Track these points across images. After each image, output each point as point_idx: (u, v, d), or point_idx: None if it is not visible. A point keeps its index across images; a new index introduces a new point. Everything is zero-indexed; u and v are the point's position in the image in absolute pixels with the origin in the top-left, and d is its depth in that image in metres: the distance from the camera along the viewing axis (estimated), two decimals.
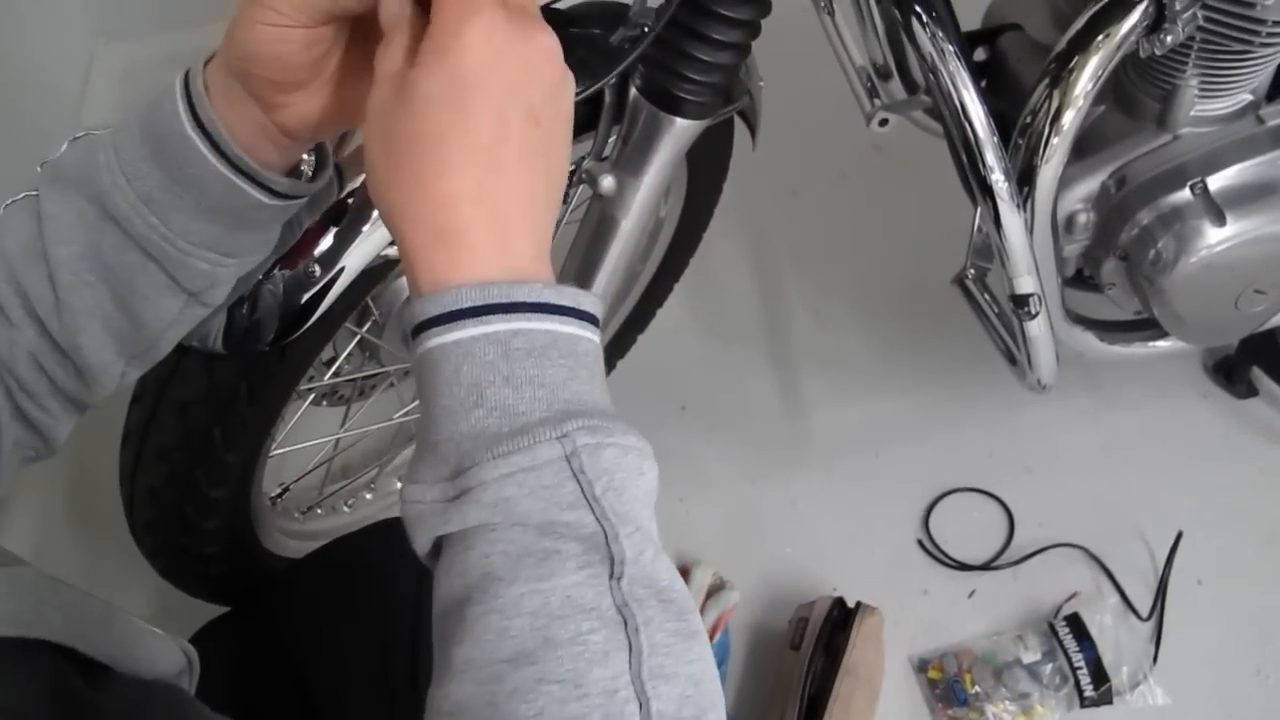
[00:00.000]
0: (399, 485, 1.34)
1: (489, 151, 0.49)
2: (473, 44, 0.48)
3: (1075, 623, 1.31)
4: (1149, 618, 1.34)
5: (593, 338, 0.51)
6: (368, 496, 1.33)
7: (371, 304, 1.08)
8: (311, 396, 1.15)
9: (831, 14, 1.24)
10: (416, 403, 1.31)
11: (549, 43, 0.51)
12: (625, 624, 0.44)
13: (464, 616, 0.45)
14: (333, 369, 1.14)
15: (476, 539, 0.46)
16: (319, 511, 1.28)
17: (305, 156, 0.66)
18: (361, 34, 0.58)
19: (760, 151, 1.15)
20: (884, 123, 1.20)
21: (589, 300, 0.50)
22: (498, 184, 0.49)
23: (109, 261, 0.61)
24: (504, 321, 0.47)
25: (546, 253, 0.52)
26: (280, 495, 1.23)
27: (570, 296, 0.50)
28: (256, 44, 0.55)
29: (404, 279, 1.08)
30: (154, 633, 0.69)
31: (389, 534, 0.98)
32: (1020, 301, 1.04)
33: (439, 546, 0.49)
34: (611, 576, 0.45)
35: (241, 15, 0.55)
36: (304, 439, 1.21)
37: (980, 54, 1.19)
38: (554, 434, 0.46)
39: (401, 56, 0.51)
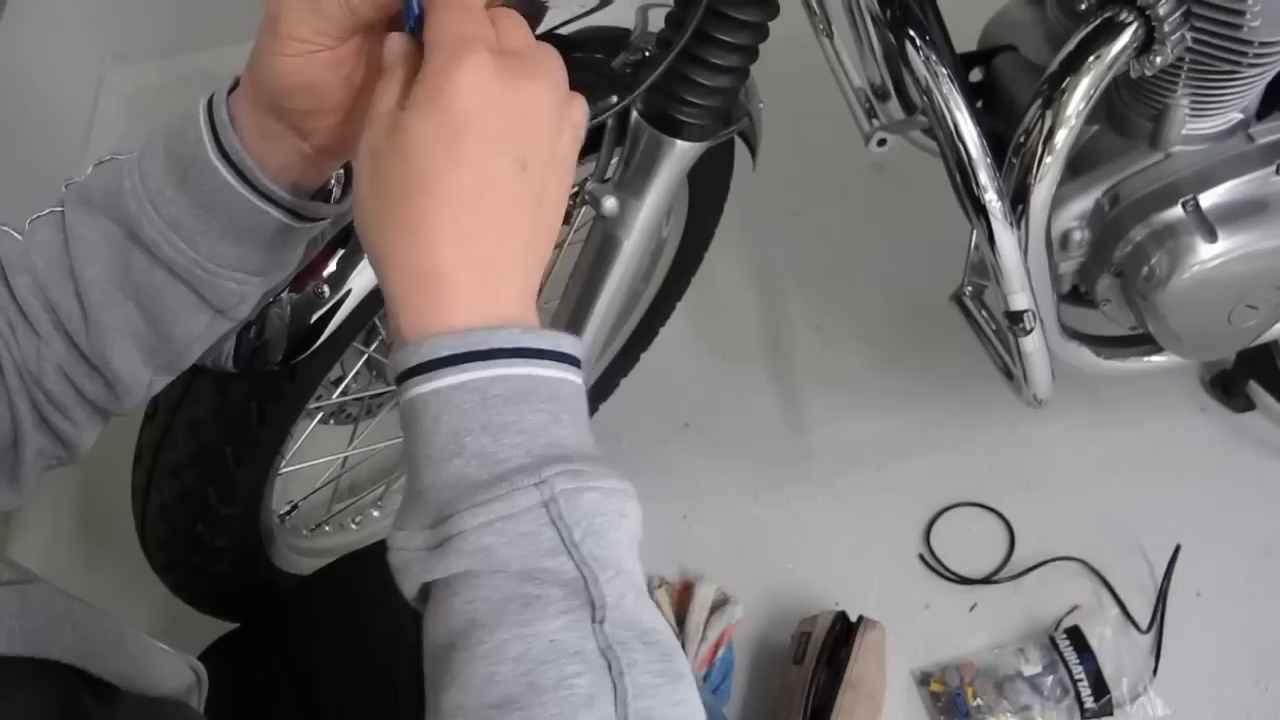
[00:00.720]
0: None
1: (474, 197, 0.49)
2: (463, 89, 0.48)
3: (1076, 635, 1.32)
4: (1149, 630, 1.35)
5: (575, 379, 0.51)
6: (375, 514, 1.35)
7: (379, 323, 1.10)
8: (319, 415, 1.17)
9: (830, 36, 1.26)
10: None
11: (542, 87, 0.51)
12: (610, 667, 0.45)
13: (450, 662, 0.46)
14: (340, 388, 1.15)
15: (460, 586, 0.47)
16: (327, 529, 1.30)
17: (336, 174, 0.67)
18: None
19: (761, 171, 1.17)
20: (882, 143, 1.22)
21: (569, 342, 0.51)
22: (482, 229, 0.49)
23: (137, 281, 0.62)
24: (482, 369, 0.48)
25: (533, 296, 0.52)
26: (289, 513, 1.25)
27: (550, 340, 0.50)
28: (283, 77, 0.56)
29: None
30: (163, 650, 0.70)
31: None
32: (1015, 318, 1.06)
33: (426, 592, 0.49)
34: (594, 620, 0.46)
35: (261, 49, 0.56)
36: (312, 457, 1.23)
37: (976, 74, 1.21)
38: (532, 480, 0.46)
39: (395, 96, 0.51)
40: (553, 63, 0.53)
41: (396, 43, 0.53)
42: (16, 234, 0.64)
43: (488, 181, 0.49)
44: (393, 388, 1.19)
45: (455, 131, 0.49)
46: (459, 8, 0.51)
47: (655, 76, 0.78)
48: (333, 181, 0.66)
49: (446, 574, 0.47)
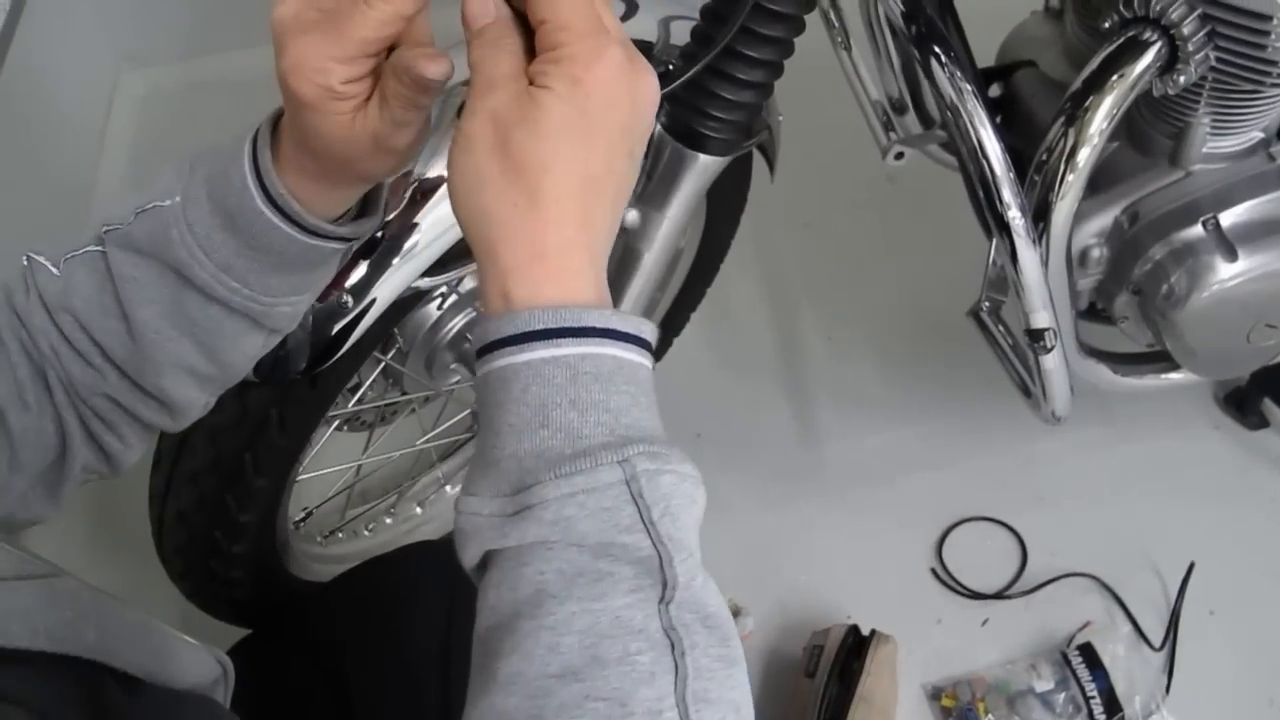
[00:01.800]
0: (418, 510, 1.36)
1: (599, 183, 0.51)
2: (602, 81, 0.50)
3: (1088, 652, 1.32)
4: (1161, 647, 1.34)
5: (649, 364, 0.52)
6: (388, 521, 1.35)
7: (396, 331, 1.10)
8: (336, 423, 1.17)
9: (848, 49, 1.27)
10: (438, 429, 1.33)
11: (654, 84, 0.53)
12: (672, 647, 0.46)
13: (514, 630, 0.46)
14: (357, 395, 1.15)
15: (532, 555, 0.47)
16: (340, 535, 1.30)
17: None
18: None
19: (774, 183, 1.17)
20: (900, 156, 1.22)
21: (649, 328, 0.52)
22: (597, 214, 0.51)
23: (193, 317, 0.63)
24: (574, 345, 0.48)
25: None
26: (303, 520, 1.25)
27: (634, 324, 0.51)
28: (337, 147, 0.57)
29: (430, 307, 1.10)
30: (188, 643, 0.70)
31: (419, 557, 0.99)
32: (1036, 336, 1.06)
33: (486, 560, 0.50)
34: (661, 600, 0.46)
35: (302, 119, 0.56)
36: (326, 464, 1.23)
37: (995, 90, 1.21)
38: (616, 458, 0.47)
39: (511, 65, 0.52)
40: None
41: (489, 4, 0.53)
42: (53, 267, 0.64)
43: (610, 170, 0.51)
44: (408, 396, 1.20)
45: (592, 119, 0.50)
46: None
47: (687, 76, 0.79)
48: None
49: (521, 542, 0.47)
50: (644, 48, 0.98)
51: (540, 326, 0.48)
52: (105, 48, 2.12)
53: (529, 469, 0.48)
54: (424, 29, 0.56)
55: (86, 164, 1.99)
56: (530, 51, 0.52)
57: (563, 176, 0.50)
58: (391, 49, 0.56)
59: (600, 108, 0.50)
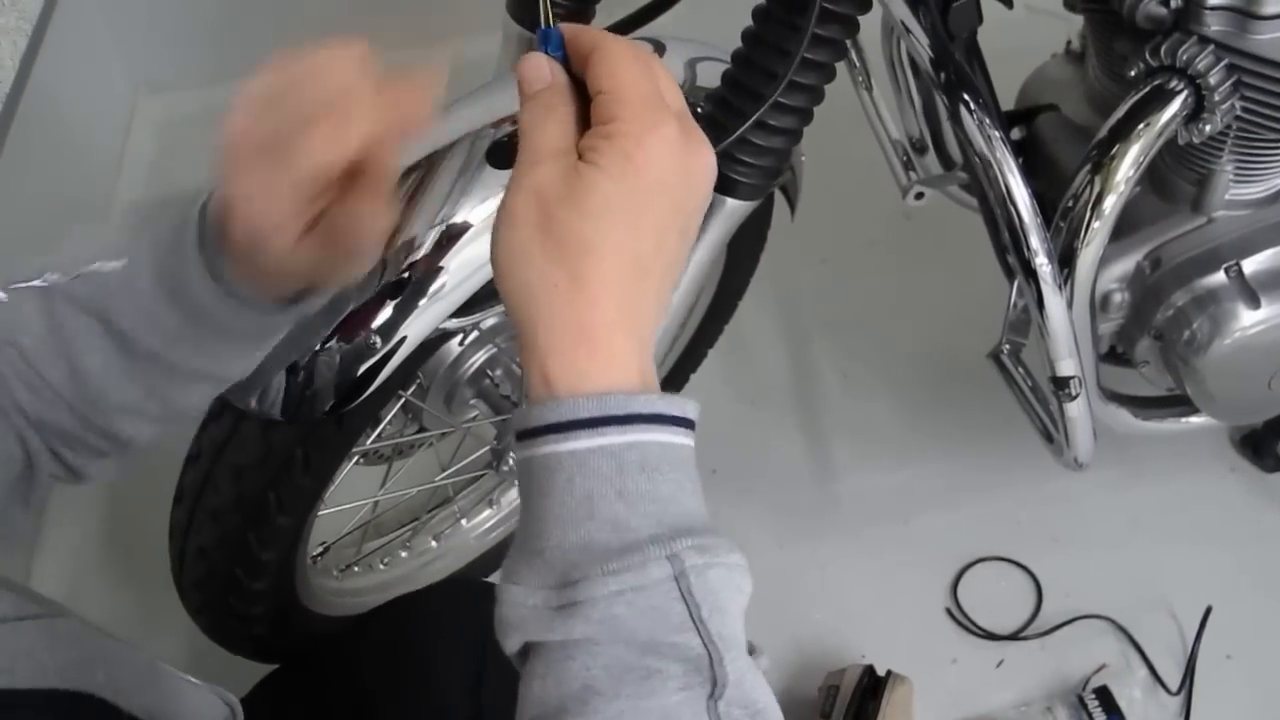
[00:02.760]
0: (434, 544, 1.36)
1: (646, 264, 0.49)
2: (655, 158, 0.49)
3: (1104, 696, 1.31)
4: (1179, 692, 1.34)
5: (692, 444, 0.51)
6: (403, 555, 1.35)
7: (419, 372, 1.10)
8: (355, 458, 1.17)
9: (870, 89, 1.27)
10: (457, 466, 1.33)
11: (711, 159, 0.52)
12: None
13: None
14: (377, 431, 1.15)
15: (578, 650, 0.46)
16: (356, 569, 1.30)
17: None
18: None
19: (796, 217, 1.17)
20: (920, 196, 1.23)
21: (692, 408, 0.51)
22: (644, 295, 0.50)
23: (143, 368, 0.62)
24: (620, 434, 0.47)
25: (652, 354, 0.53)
26: (320, 554, 1.24)
27: (679, 405, 0.50)
28: (289, 264, 0.57)
29: (451, 344, 1.11)
30: (195, 685, 0.70)
31: (450, 594, 0.99)
32: (1061, 383, 1.06)
33: (528, 648, 0.49)
34: (711, 697, 0.46)
35: (249, 246, 0.56)
36: (344, 499, 1.23)
37: (1016, 133, 1.22)
38: (664, 553, 0.46)
39: (561, 133, 0.50)
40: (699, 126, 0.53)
41: (545, 69, 0.52)
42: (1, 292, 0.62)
43: (658, 250, 0.50)
44: (428, 432, 1.20)
45: (642, 199, 0.49)
46: (633, 58, 0.50)
47: (737, 135, 0.79)
48: None
49: (567, 638, 0.46)
50: None
51: (585, 415, 0.47)
52: (124, 73, 2.14)
53: (575, 562, 0.47)
54: (386, 158, 0.56)
55: (104, 188, 2.00)
56: (584, 120, 0.51)
57: (608, 258, 0.48)
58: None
59: (651, 186, 0.49)
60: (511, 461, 1.23)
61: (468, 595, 0.98)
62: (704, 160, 0.51)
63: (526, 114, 0.51)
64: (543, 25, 0.53)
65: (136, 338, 0.60)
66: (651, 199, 0.49)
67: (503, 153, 0.89)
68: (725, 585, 0.48)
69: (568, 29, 0.52)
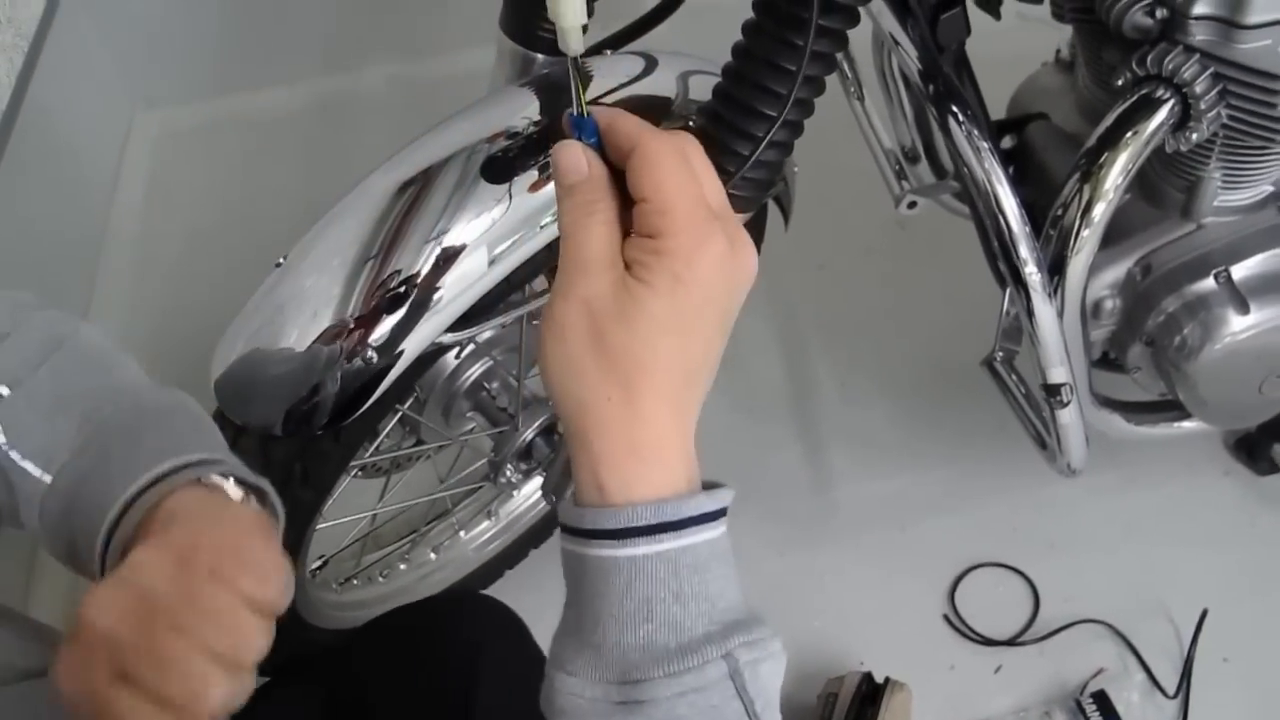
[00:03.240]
0: (433, 556, 1.37)
1: (696, 373, 0.51)
2: (703, 277, 0.49)
3: (1102, 700, 1.31)
4: (1176, 695, 1.34)
5: (726, 527, 0.53)
6: (402, 567, 1.35)
7: (417, 386, 1.11)
8: (353, 471, 1.18)
9: (861, 100, 1.28)
10: (455, 478, 1.33)
11: (754, 261, 0.53)
12: None
13: None
14: (374, 444, 1.16)
15: None
16: (355, 582, 1.30)
17: None
18: None
19: (789, 226, 1.18)
20: (912, 205, 1.24)
21: (728, 495, 0.53)
22: (691, 400, 0.52)
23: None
24: (675, 539, 0.49)
25: None
26: (319, 568, 1.25)
27: (721, 499, 0.52)
28: None
29: (448, 357, 1.11)
30: None
31: (446, 608, 0.99)
32: (1052, 391, 1.07)
33: None
34: None
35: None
36: (342, 512, 1.23)
37: (1007, 142, 1.23)
38: (720, 653, 0.49)
39: (606, 239, 0.50)
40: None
41: (581, 160, 0.52)
42: None
43: (705, 358, 0.52)
44: (426, 445, 1.20)
45: (693, 315, 0.50)
46: (677, 161, 0.50)
47: (751, 161, 0.80)
48: None
49: None
50: (661, 103, 0.99)
51: (642, 523, 0.49)
52: (120, 88, 2.15)
53: (635, 663, 0.49)
54: None
55: (101, 203, 2.01)
56: (624, 205, 0.51)
57: (660, 374, 0.50)
58: None
59: (701, 303, 0.50)
60: (509, 474, 1.23)
61: (463, 608, 0.99)
62: (749, 262, 0.52)
63: (566, 211, 0.51)
64: (575, 112, 0.52)
65: (19, 513, 0.58)
66: (702, 313, 0.50)
67: (497, 167, 0.90)
68: (773, 677, 0.51)
69: (603, 117, 0.52)
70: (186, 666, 0.48)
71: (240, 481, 0.59)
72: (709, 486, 0.53)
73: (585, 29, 0.52)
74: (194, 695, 0.48)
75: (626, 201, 0.51)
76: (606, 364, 0.49)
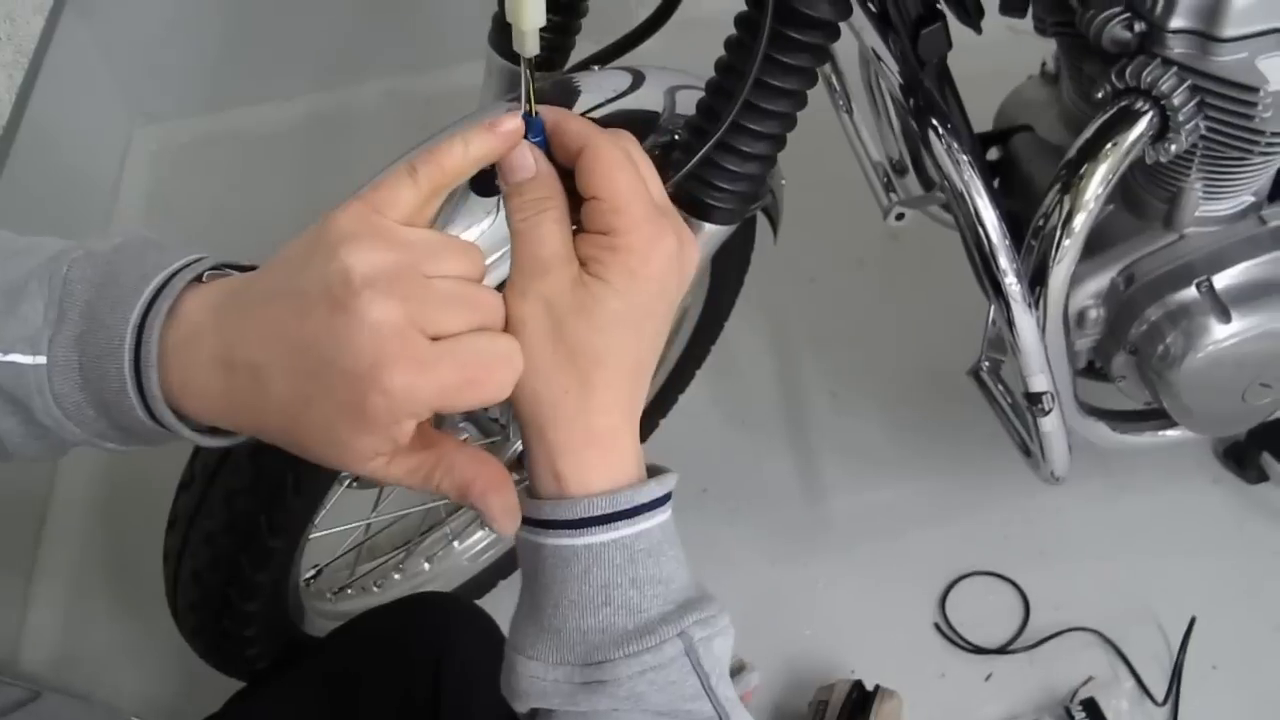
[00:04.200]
0: (426, 566, 1.38)
1: (645, 364, 0.53)
2: (656, 272, 0.51)
3: (1091, 707, 1.32)
4: (1165, 703, 1.35)
5: (671, 509, 0.55)
6: (396, 577, 1.36)
7: None
8: (347, 481, 1.19)
9: (850, 112, 1.30)
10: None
11: (697, 254, 0.54)
12: None
13: None
14: None
15: (601, 719, 0.51)
16: (350, 592, 1.31)
17: None
18: None
19: (779, 239, 1.19)
20: (900, 217, 1.25)
21: (674, 479, 0.55)
22: (642, 388, 0.54)
23: (57, 442, 0.55)
24: (629, 525, 0.52)
25: None
26: (314, 577, 1.26)
27: (669, 483, 0.54)
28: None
29: None
30: None
31: (412, 610, 1.01)
32: (1034, 399, 1.08)
33: (541, 713, 0.54)
34: None
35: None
36: (336, 522, 1.24)
37: (993, 153, 1.24)
38: (675, 631, 0.51)
39: (559, 238, 0.51)
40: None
41: (529, 158, 0.52)
42: None
43: (654, 348, 0.53)
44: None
45: (646, 309, 0.51)
46: (624, 160, 0.51)
47: (690, 167, 0.82)
48: None
49: (593, 709, 0.51)
50: (649, 118, 1.00)
51: (599, 513, 0.51)
52: (120, 104, 2.16)
53: (595, 645, 0.51)
54: None
55: (101, 217, 2.03)
56: (571, 202, 0.52)
57: (615, 367, 0.51)
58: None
59: (653, 297, 0.51)
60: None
61: (429, 610, 1.01)
62: (694, 255, 0.54)
63: (516, 211, 0.52)
64: (523, 110, 0.53)
65: (62, 435, 0.54)
66: (653, 308, 0.52)
67: (486, 181, 0.91)
68: (724, 651, 0.53)
69: (550, 116, 0.53)
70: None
71: (237, 266, 0.55)
72: (651, 470, 0.55)
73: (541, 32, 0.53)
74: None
75: (574, 200, 0.52)
76: (564, 358, 0.51)
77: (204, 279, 0.53)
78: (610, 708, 0.51)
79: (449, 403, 0.47)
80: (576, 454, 0.52)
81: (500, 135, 0.51)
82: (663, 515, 0.54)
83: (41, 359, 0.51)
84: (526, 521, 0.53)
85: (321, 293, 0.46)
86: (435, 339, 0.47)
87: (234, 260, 0.56)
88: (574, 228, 0.53)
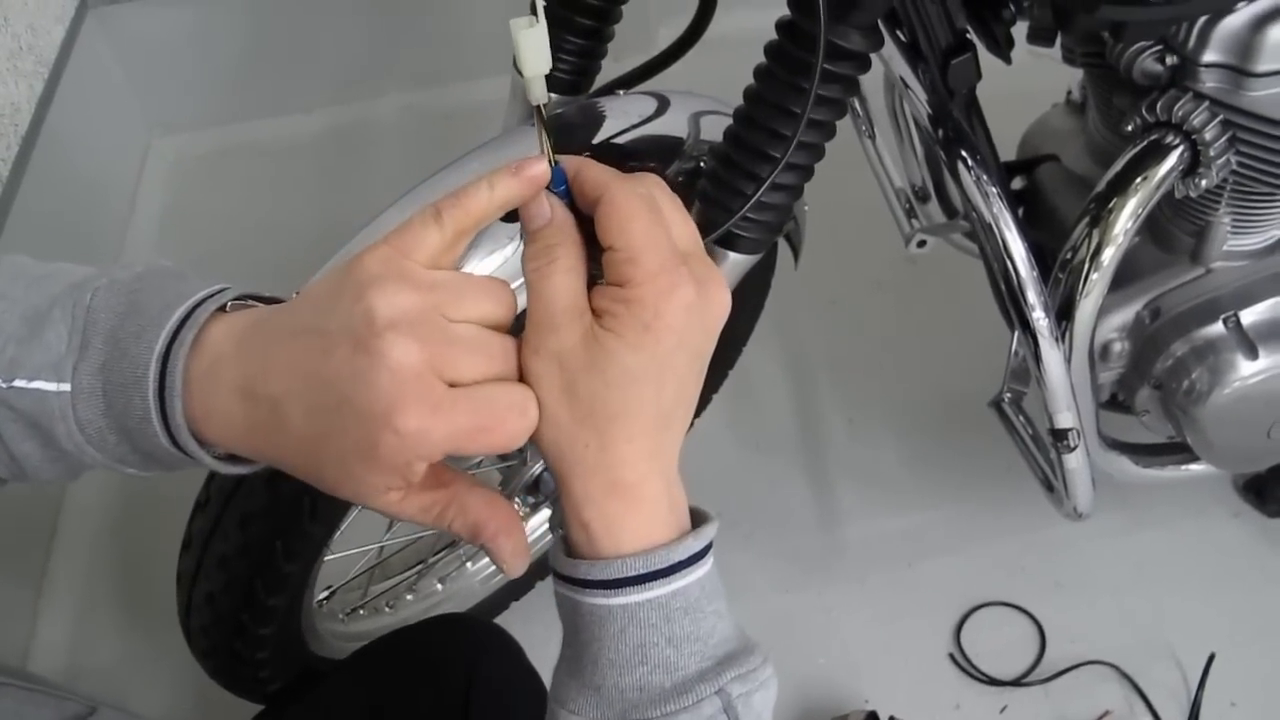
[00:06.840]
0: (439, 587, 1.37)
1: (671, 415, 0.51)
2: (673, 325, 0.49)
3: None
4: None
5: (712, 559, 0.54)
6: (409, 598, 1.35)
7: None
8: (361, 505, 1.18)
9: (872, 138, 1.29)
10: None
11: (726, 299, 0.52)
12: None
13: None
14: None
15: None
16: (362, 613, 1.30)
17: None
18: None
19: (800, 264, 1.19)
20: (922, 244, 1.24)
21: (714, 529, 0.54)
22: (670, 439, 0.52)
23: (77, 465, 0.55)
24: (664, 585, 0.50)
25: None
26: (326, 599, 1.25)
27: (707, 535, 0.53)
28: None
29: None
30: None
31: (440, 631, 1.00)
32: (1059, 435, 1.07)
33: None
34: None
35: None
36: (350, 544, 1.23)
37: (1017, 183, 1.23)
38: (713, 689, 0.50)
39: (573, 289, 0.50)
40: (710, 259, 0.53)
41: (544, 205, 0.52)
42: None
43: (679, 399, 0.51)
44: None
45: (664, 362, 0.49)
46: (643, 208, 0.50)
47: (744, 210, 0.82)
48: None
49: None
50: (673, 144, 1.00)
51: (632, 574, 0.50)
52: (138, 115, 2.17)
53: (633, 703, 0.51)
54: None
55: (118, 228, 2.03)
56: (590, 247, 0.51)
57: (634, 420, 0.50)
58: None
59: (671, 350, 0.49)
60: (518, 507, 1.24)
61: (457, 630, 1.00)
62: (719, 299, 0.52)
63: (530, 260, 0.51)
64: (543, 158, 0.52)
65: (83, 459, 0.54)
66: (673, 360, 0.50)
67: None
68: (765, 705, 0.52)
69: (570, 166, 0.52)
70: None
71: (258, 298, 0.55)
72: (694, 514, 0.54)
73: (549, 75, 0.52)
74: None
75: (598, 250, 0.51)
76: (581, 414, 0.50)
77: (228, 309, 0.53)
78: None
79: (460, 447, 0.48)
80: (600, 505, 0.51)
81: (525, 180, 0.51)
82: (701, 570, 0.52)
83: (66, 386, 0.51)
84: (564, 579, 0.52)
85: (345, 332, 0.47)
86: (453, 384, 0.47)
87: (255, 290, 0.56)
88: (600, 280, 0.52)
